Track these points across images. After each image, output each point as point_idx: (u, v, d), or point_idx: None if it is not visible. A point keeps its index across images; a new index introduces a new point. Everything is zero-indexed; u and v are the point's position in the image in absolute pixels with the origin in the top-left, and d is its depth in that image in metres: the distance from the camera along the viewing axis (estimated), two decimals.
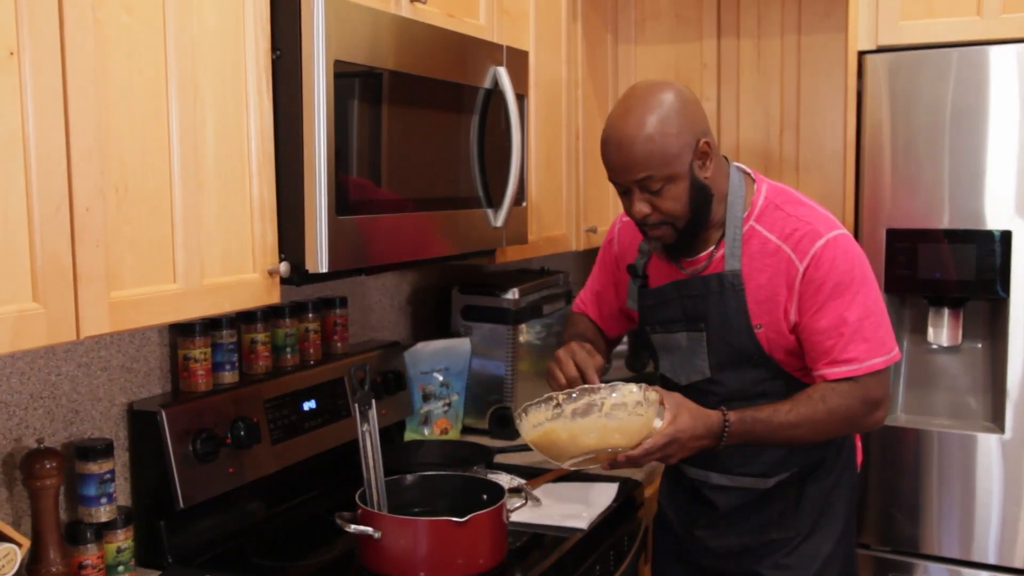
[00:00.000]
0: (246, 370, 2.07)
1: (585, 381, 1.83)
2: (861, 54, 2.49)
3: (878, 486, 2.54)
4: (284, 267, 1.68)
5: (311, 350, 2.23)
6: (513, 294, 2.65)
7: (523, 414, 1.78)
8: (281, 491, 2.10)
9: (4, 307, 1.23)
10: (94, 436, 1.79)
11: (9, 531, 1.46)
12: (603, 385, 1.74)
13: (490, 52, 2.14)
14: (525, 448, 2.13)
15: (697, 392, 1.90)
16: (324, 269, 1.67)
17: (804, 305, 1.81)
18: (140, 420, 1.83)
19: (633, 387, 1.72)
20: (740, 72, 3.04)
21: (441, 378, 2.61)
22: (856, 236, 2.49)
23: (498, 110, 2.15)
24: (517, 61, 2.25)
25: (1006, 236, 2.35)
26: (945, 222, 2.41)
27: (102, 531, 1.69)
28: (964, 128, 2.37)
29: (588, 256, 3.23)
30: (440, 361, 2.61)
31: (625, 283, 2.07)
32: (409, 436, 2.57)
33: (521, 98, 2.24)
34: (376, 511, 1.77)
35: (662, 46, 3.13)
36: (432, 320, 2.83)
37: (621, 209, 1.94)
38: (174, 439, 1.79)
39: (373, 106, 1.80)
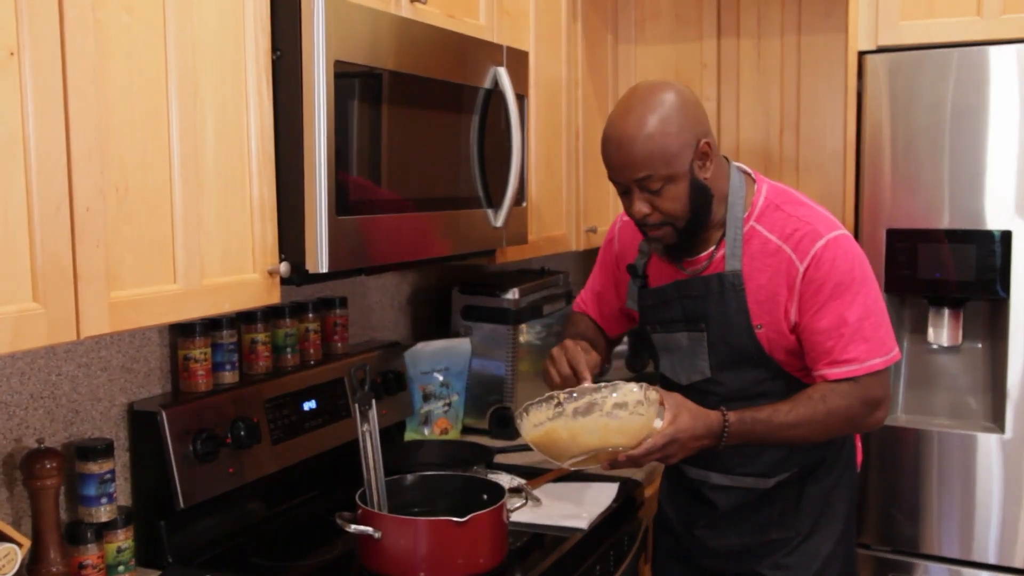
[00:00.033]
0: (246, 370, 2.07)
1: (578, 378, 1.83)
2: (861, 54, 2.49)
3: (878, 486, 2.54)
4: (284, 267, 1.68)
5: (311, 350, 2.23)
6: (513, 294, 2.65)
7: (524, 413, 1.77)
8: (281, 491, 2.10)
9: (4, 307, 1.23)
10: (94, 436, 1.79)
11: (9, 531, 1.47)
12: (604, 384, 1.73)
13: (490, 52, 2.14)
14: (525, 448, 2.13)
15: (697, 392, 1.90)
16: (324, 269, 1.67)
17: (804, 305, 1.81)
18: (140, 420, 1.83)
19: (634, 386, 1.72)
20: (740, 72, 3.04)
21: (441, 378, 2.61)
22: (856, 236, 2.49)
23: (498, 110, 2.15)
24: (517, 61, 2.25)
25: (1006, 236, 2.35)
26: (945, 222, 2.41)
27: (102, 531, 1.69)
28: (964, 128, 2.37)
29: (588, 256, 3.23)
30: (440, 361, 2.61)
31: (625, 283, 2.08)
32: (409, 436, 2.57)
33: (521, 98, 2.24)
34: (376, 511, 1.77)
35: (662, 46, 3.13)
36: (432, 320, 2.83)
37: (621, 209, 1.94)
38: (174, 439, 1.79)
39: (373, 106, 1.80)
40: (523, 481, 2.17)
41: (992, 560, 2.44)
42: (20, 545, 1.47)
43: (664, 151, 1.75)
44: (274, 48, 1.64)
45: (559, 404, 1.73)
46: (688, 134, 1.77)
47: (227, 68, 1.56)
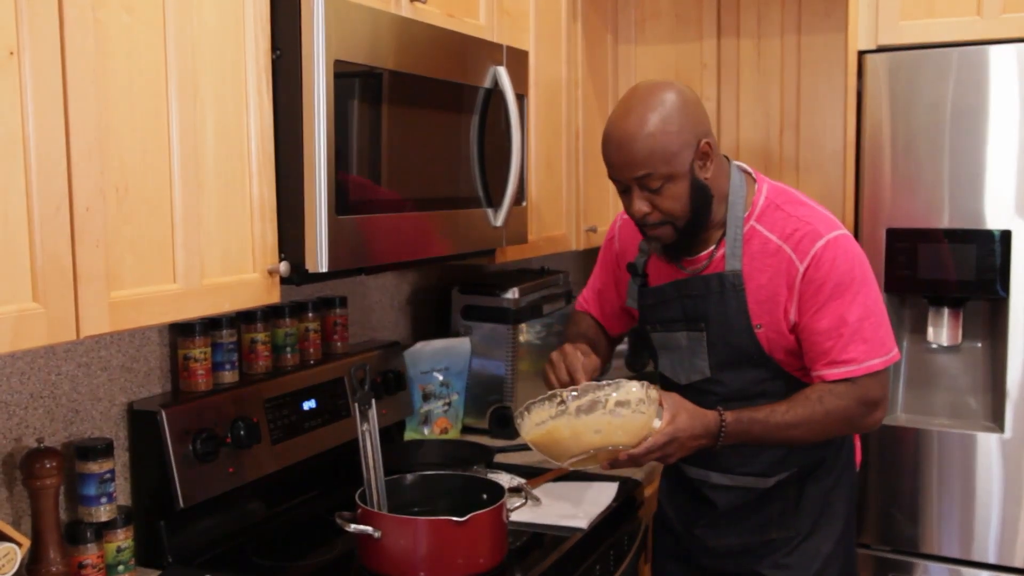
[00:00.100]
0: (246, 370, 2.07)
1: (575, 383, 1.82)
2: (861, 54, 2.49)
3: (878, 486, 2.54)
4: (284, 267, 1.68)
5: (311, 350, 2.23)
6: (513, 294, 2.65)
7: (525, 412, 1.77)
8: (281, 491, 2.10)
9: (4, 307, 1.23)
10: (94, 436, 1.79)
11: (9, 531, 1.47)
12: (607, 382, 1.74)
13: (490, 52, 2.14)
14: (525, 448, 2.13)
15: (697, 392, 1.91)
16: (324, 269, 1.67)
17: (804, 305, 1.81)
18: (140, 420, 1.83)
19: (636, 384, 1.72)
20: (740, 72, 3.04)
21: (441, 378, 2.61)
22: (856, 236, 2.49)
23: (498, 110, 2.15)
24: (517, 61, 2.25)
25: (1006, 236, 2.35)
26: (945, 222, 2.41)
27: (102, 531, 1.69)
28: (964, 128, 2.38)
29: (588, 256, 3.23)
30: (440, 361, 2.61)
31: (626, 281, 2.08)
32: (409, 436, 2.57)
33: (521, 98, 2.24)
34: (376, 511, 1.77)
35: (662, 46, 3.13)
36: (432, 320, 2.83)
37: (621, 208, 1.94)
38: (174, 439, 1.79)
39: (373, 106, 1.80)
40: (523, 481, 2.17)
41: (992, 560, 2.44)
42: (20, 545, 1.47)
43: (664, 150, 1.75)
44: (274, 48, 1.64)
45: (562, 402, 1.73)
46: (688, 133, 1.77)
47: (227, 68, 1.56)
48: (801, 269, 1.80)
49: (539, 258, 2.95)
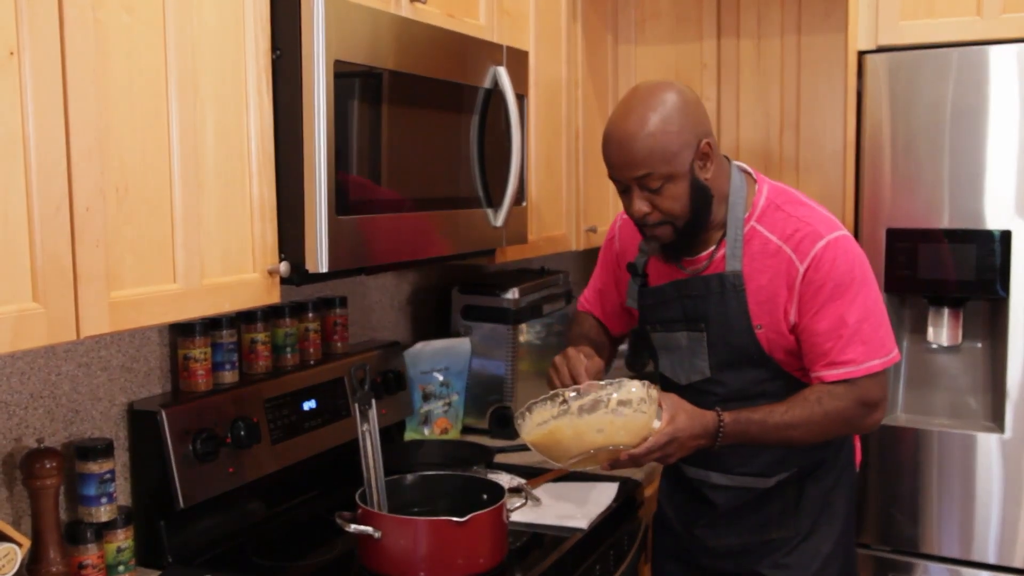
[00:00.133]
0: (246, 370, 2.07)
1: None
2: (861, 54, 2.49)
3: (878, 486, 2.54)
4: (284, 267, 1.68)
5: (311, 350, 2.23)
6: (513, 294, 2.65)
7: (527, 412, 1.77)
8: (281, 491, 2.10)
9: (4, 307, 1.23)
10: (94, 436, 1.79)
11: (9, 531, 1.47)
12: (609, 382, 1.74)
13: (490, 52, 2.14)
14: (525, 448, 2.13)
15: (697, 392, 1.91)
16: (324, 269, 1.67)
17: (804, 306, 1.81)
18: (140, 420, 1.83)
19: (637, 384, 1.72)
20: (740, 72, 3.04)
21: (441, 378, 2.61)
22: (856, 236, 2.49)
23: (498, 110, 2.15)
24: (517, 61, 2.25)
25: (1006, 236, 2.35)
26: (945, 222, 2.41)
27: (102, 531, 1.69)
28: (964, 128, 2.37)
29: (588, 256, 3.23)
30: (440, 361, 2.61)
31: (626, 281, 2.08)
32: (409, 436, 2.57)
33: (521, 98, 2.24)
34: (376, 511, 1.77)
35: (662, 46, 3.13)
36: (432, 320, 2.83)
37: (621, 208, 1.94)
38: (174, 439, 1.79)
39: (373, 106, 1.80)
40: (523, 481, 2.17)
41: (992, 560, 2.44)
42: (20, 545, 1.47)
43: (664, 149, 1.75)
44: (274, 48, 1.64)
45: (564, 401, 1.72)
46: (689, 134, 1.77)
47: (227, 68, 1.56)
48: (801, 270, 1.80)
49: (539, 258, 2.95)
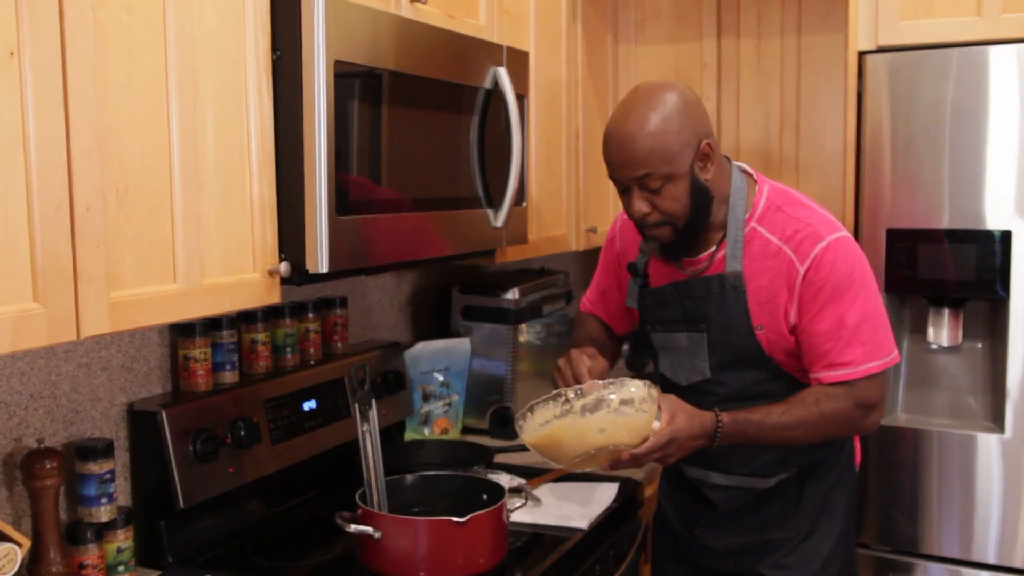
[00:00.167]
0: (246, 370, 2.07)
1: None
2: (861, 54, 2.49)
3: (878, 486, 2.54)
4: (284, 267, 1.68)
5: (311, 350, 2.23)
6: (513, 294, 2.65)
7: (528, 413, 1.76)
8: (281, 491, 2.10)
9: (4, 307, 1.23)
10: (94, 436, 1.79)
11: (9, 531, 1.47)
12: (611, 381, 1.74)
13: (490, 52, 2.14)
14: (525, 448, 2.13)
15: (697, 392, 1.91)
16: (324, 269, 1.67)
17: (804, 307, 1.81)
18: (140, 420, 1.83)
19: (639, 383, 1.72)
20: (740, 72, 3.04)
21: (441, 378, 2.61)
22: (856, 236, 2.49)
23: (498, 110, 2.15)
24: (517, 61, 2.25)
25: (1006, 236, 2.35)
26: (945, 222, 2.41)
27: (102, 531, 1.69)
28: (964, 128, 2.37)
29: (588, 256, 3.23)
30: (440, 361, 2.61)
31: (627, 281, 2.07)
32: (409, 436, 2.57)
33: (521, 98, 2.24)
34: (376, 511, 1.77)
35: (662, 46, 3.13)
36: (432, 320, 2.83)
37: (621, 208, 1.94)
38: (174, 439, 1.79)
39: (373, 106, 1.80)
40: (523, 481, 2.17)
41: (992, 560, 2.44)
42: (20, 545, 1.47)
43: (665, 150, 1.75)
44: (274, 48, 1.64)
45: (567, 401, 1.72)
46: (689, 134, 1.77)
47: (227, 68, 1.56)
48: (801, 271, 1.80)
49: (539, 258, 2.95)
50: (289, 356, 2.15)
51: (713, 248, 1.89)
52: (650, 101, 1.77)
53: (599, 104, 3.00)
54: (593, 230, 2.92)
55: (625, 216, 2.06)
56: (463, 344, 2.66)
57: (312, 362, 2.21)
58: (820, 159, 2.96)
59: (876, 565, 2.56)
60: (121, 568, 1.72)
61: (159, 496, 1.81)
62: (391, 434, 2.49)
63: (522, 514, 1.96)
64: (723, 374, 1.91)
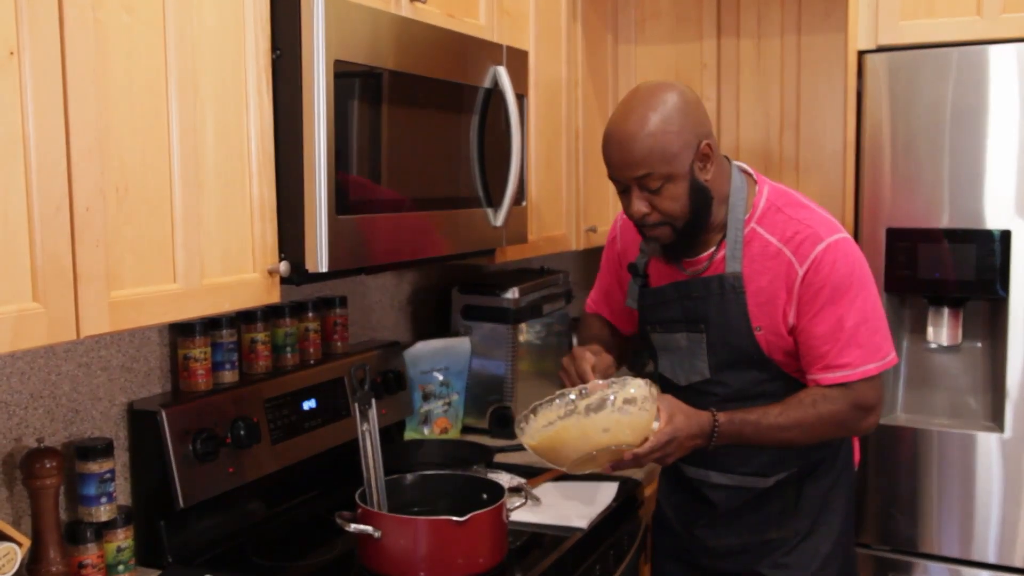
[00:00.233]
0: (246, 370, 2.07)
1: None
2: (861, 54, 2.49)
3: (878, 485, 2.54)
4: (284, 267, 1.68)
5: (311, 350, 2.23)
6: (513, 294, 2.65)
7: (531, 415, 1.75)
8: (281, 491, 2.10)
9: (4, 307, 1.23)
10: (94, 436, 1.79)
11: (9, 530, 1.47)
12: (614, 380, 1.73)
13: (490, 52, 2.14)
14: (525, 448, 2.13)
15: (696, 393, 1.91)
16: (324, 269, 1.67)
17: (802, 308, 1.81)
18: (140, 420, 1.84)
19: (641, 381, 1.71)
20: (740, 72, 3.04)
21: (441, 378, 2.61)
22: (856, 236, 2.49)
23: (498, 110, 2.15)
24: (517, 61, 2.25)
25: (1006, 236, 2.35)
26: (945, 222, 2.41)
27: (102, 531, 1.69)
28: (964, 128, 2.38)
29: (588, 256, 3.23)
30: (440, 361, 2.61)
31: (628, 281, 2.07)
32: (409, 436, 2.57)
33: (521, 98, 2.24)
34: (376, 511, 1.77)
35: (662, 46, 3.13)
36: (432, 320, 2.83)
37: (622, 208, 1.94)
38: (174, 439, 1.79)
39: (373, 106, 1.80)
40: (523, 480, 2.17)
41: (992, 560, 2.44)
42: (20, 544, 1.47)
43: (664, 150, 1.75)
44: (274, 48, 1.64)
45: (571, 401, 1.72)
46: (689, 134, 1.77)
47: (227, 68, 1.56)
48: (800, 272, 1.80)
49: (539, 258, 2.95)
50: (289, 356, 2.15)
51: (713, 249, 1.89)
52: (650, 101, 1.77)
53: (599, 104, 3.00)
54: (593, 230, 2.92)
55: (625, 216, 2.06)
56: (463, 344, 2.66)
57: (312, 362, 2.21)
58: (820, 159, 2.96)
59: (876, 565, 2.56)
60: (121, 568, 1.72)
61: (159, 496, 1.81)
62: (391, 434, 2.49)
63: (522, 514, 1.96)
64: (722, 374, 1.91)
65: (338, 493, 2.08)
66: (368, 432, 1.81)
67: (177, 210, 1.48)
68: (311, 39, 1.62)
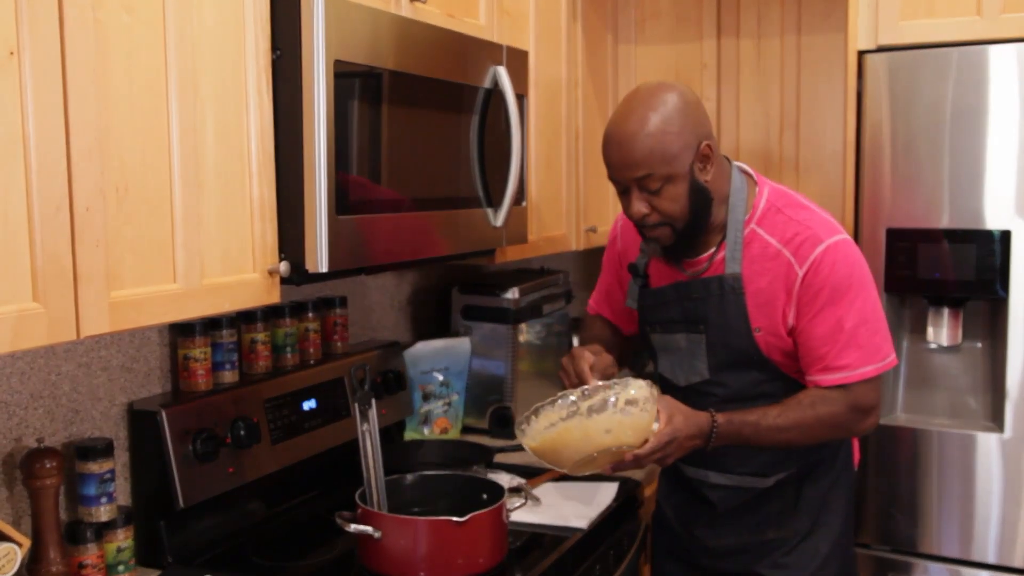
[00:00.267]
0: (246, 370, 2.07)
1: (583, 384, 1.82)
2: (861, 54, 2.49)
3: (877, 485, 2.54)
4: (284, 267, 1.68)
5: (311, 350, 2.23)
6: (513, 294, 2.65)
7: (532, 417, 1.74)
8: (281, 491, 2.10)
9: (4, 307, 1.23)
10: (94, 436, 1.79)
11: (9, 531, 1.47)
12: (616, 381, 1.73)
13: (490, 52, 2.14)
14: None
15: (696, 393, 1.91)
16: (324, 269, 1.67)
17: (802, 310, 1.81)
18: (140, 420, 1.84)
19: (642, 382, 1.71)
20: (740, 72, 3.04)
21: (441, 378, 2.61)
22: (856, 236, 2.49)
23: (498, 110, 2.15)
24: (517, 61, 2.25)
25: (1006, 236, 2.35)
26: (945, 222, 2.41)
27: (102, 531, 1.69)
28: (964, 128, 2.38)
29: (588, 256, 3.24)
30: (440, 361, 2.61)
31: (628, 281, 2.07)
32: (409, 436, 2.57)
33: (521, 98, 2.24)
34: (376, 511, 1.77)
35: (662, 46, 3.13)
36: (432, 320, 2.83)
37: (622, 208, 1.94)
38: (174, 439, 1.79)
39: (373, 106, 1.80)
40: (523, 481, 2.17)
41: (991, 560, 2.44)
42: (20, 545, 1.47)
43: (664, 150, 1.75)
44: (274, 48, 1.64)
45: (573, 402, 1.71)
46: (689, 135, 1.77)
47: (227, 68, 1.56)
48: (800, 274, 1.80)
49: (539, 258, 2.95)
50: (289, 356, 2.15)
51: (713, 249, 1.89)
52: (650, 102, 1.77)
53: (599, 104, 3.00)
54: (593, 230, 2.92)
55: (626, 216, 2.06)
56: (463, 344, 2.66)
57: (312, 362, 2.21)
58: (820, 159, 2.96)
59: (875, 565, 2.56)
60: (121, 568, 1.72)
61: (159, 496, 1.81)
62: (391, 434, 2.49)
63: (522, 514, 1.96)
64: (722, 375, 1.91)
65: (338, 493, 2.08)
66: (368, 432, 1.81)
67: (177, 210, 1.48)
68: (311, 39, 1.62)
